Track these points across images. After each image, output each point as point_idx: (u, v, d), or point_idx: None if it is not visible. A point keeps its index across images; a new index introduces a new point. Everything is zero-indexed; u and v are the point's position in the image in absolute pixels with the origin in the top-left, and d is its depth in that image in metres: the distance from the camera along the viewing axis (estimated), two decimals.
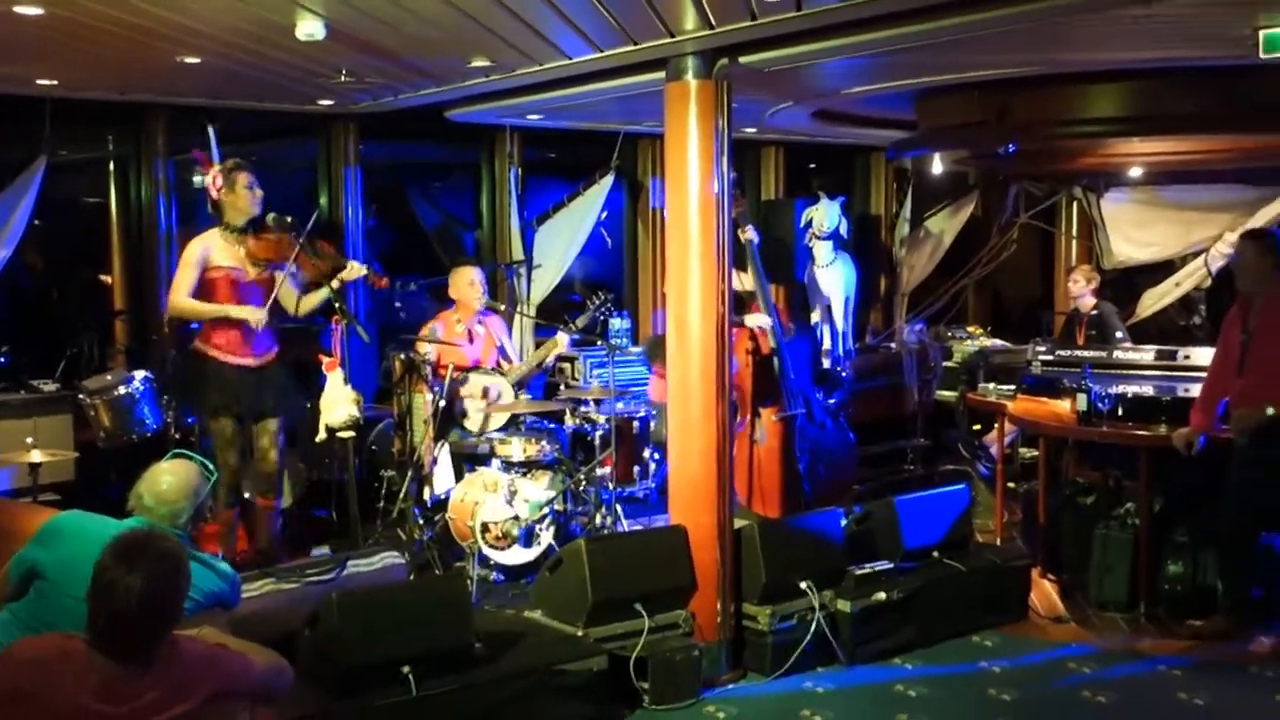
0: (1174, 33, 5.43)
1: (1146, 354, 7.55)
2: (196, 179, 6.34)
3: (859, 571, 5.73)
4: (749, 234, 7.36)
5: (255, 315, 6.12)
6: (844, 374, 8.66)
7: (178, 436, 6.64)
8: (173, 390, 6.67)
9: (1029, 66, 6.41)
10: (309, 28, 4.92)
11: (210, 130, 6.32)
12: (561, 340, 7.53)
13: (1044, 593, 6.58)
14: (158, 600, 2.85)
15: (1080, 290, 8.83)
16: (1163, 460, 6.15)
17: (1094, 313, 8.73)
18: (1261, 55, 5.33)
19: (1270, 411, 5.57)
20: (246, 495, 6.43)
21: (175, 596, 2.93)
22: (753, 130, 9.50)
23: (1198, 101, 6.60)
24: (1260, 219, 8.21)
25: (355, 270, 6.47)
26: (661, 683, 5.04)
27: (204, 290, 6.12)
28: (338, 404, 6.28)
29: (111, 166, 8.45)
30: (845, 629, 5.58)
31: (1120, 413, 6.45)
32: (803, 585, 5.57)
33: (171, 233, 8.23)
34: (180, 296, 6.10)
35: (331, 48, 5.53)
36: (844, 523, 6.01)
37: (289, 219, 6.21)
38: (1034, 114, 7.04)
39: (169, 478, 3.84)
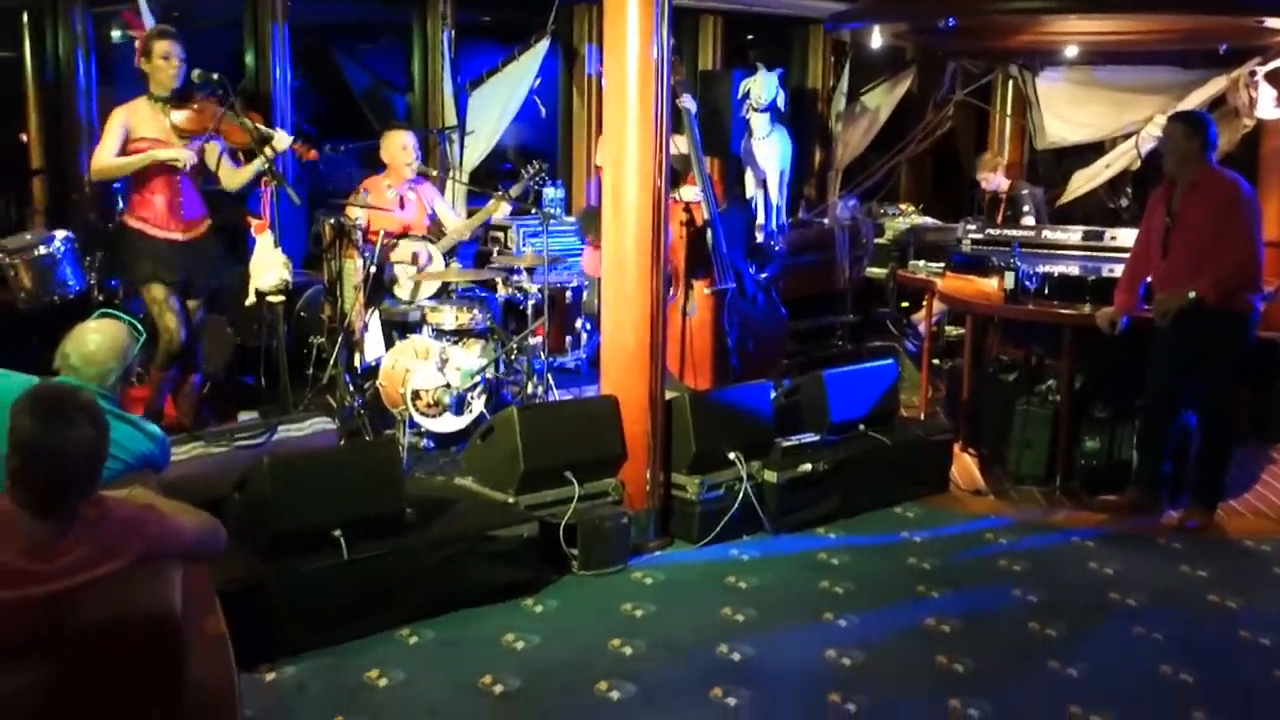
0: None
1: (1074, 234, 7.60)
2: (115, 33, 6.10)
3: (786, 443, 5.79)
4: (687, 103, 7.28)
5: (182, 155, 5.93)
6: (777, 248, 8.67)
7: (101, 299, 6.51)
8: (104, 264, 6.53)
9: None
10: None
11: None
12: (505, 205, 7.43)
13: (964, 466, 6.73)
14: (75, 454, 2.80)
15: (993, 181, 8.95)
16: (1085, 339, 6.25)
17: (1022, 192, 8.82)
18: None
19: (1192, 295, 5.64)
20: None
21: (94, 451, 2.87)
22: None
23: None
24: (1191, 102, 8.24)
25: (283, 140, 6.30)
26: (591, 549, 5.12)
27: None
28: (268, 267, 6.20)
29: (25, 18, 8.05)
30: (771, 499, 5.68)
31: (1046, 292, 6.55)
32: (731, 456, 5.64)
33: (91, 89, 7.95)
34: (103, 157, 5.91)
35: None
36: (773, 395, 6.07)
37: (214, 75, 6.00)
38: None
39: (97, 337, 3.76)
